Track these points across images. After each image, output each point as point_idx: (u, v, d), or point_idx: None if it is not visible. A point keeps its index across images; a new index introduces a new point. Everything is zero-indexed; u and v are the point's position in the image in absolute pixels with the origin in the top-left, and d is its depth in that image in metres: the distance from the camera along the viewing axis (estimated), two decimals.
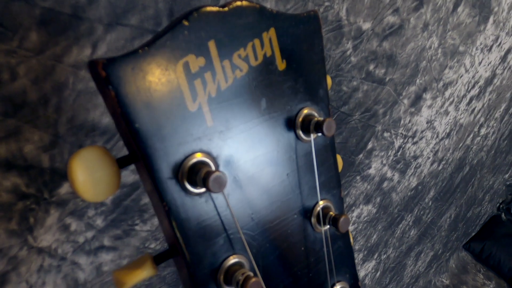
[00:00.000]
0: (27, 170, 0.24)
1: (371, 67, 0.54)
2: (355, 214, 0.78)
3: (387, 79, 0.59)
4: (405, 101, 0.72)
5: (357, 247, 0.86)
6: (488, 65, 0.95)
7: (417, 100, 0.75)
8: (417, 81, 0.73)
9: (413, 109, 0.77)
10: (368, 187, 0.78)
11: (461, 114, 0.97)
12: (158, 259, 0.17)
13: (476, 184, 1.27)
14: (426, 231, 1.14)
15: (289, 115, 0.18)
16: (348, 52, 0.48)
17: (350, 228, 0.83)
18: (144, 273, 0.16)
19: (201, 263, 0.17)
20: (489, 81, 1.00)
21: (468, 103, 0.96)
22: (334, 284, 0.21)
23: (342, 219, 0.19)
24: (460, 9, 0.72)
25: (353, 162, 0.67)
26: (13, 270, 0.27)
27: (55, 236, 0.29)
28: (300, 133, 0.19)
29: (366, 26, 0.49)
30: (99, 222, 0.31)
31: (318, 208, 0.19)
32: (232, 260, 0.17)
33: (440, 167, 1.02)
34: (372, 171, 0.75)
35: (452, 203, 1.21)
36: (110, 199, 0.32)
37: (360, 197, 0.78)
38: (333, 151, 0.20)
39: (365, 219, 0.83)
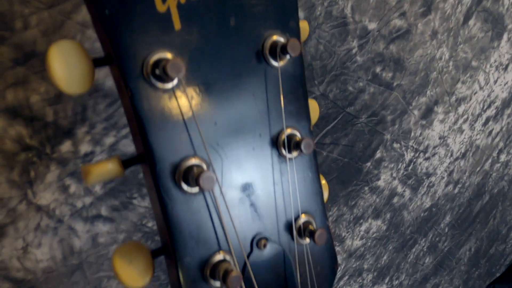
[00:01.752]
0: (32, 121, 0.26)
1: (378, 69, 0.55)
2: (363, 228, 0.77)
3: (395, 84, 0.60)
4: (416, 112, 0.73)
5: (365, 266, 0.84)
6: (505, 85, 0.95)
7: (428, 113, 0.76)
8: (428, 92, 0.73)
9: (424, 122, 0.77)
10: (377, 200, 0.77)
11: (477, 135, 0.96)
12: (126, 163, 0.18)
13: (498, 217, 1.23)
14: (443, 262, 1.10)
15: (257, 39, 0.19)
16: (354, 51, 0.50)
17: (358, 242, 0.82)
18: (109, 166, 0.17)
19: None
20: (507, 103, 1.00)
21: (484, 124, 0.96)
22: (298, 217, 0.22)
23: (304, 141, 0.19)
24: (471, 22, 0.74)
25: (360, 169, 0.67)
26: (11, 223, 0.28)
27: (54, 196, 0.30)
28: (269, 57, 0.20)
29: (372, 26, 0.50)
30: (98, 189, 0.33)
31: (284, 136, 0.20)
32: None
33: (456, 191, 1.00)
34: (381, 183, 0.74)
35: (471, 234, 1.17)
36: None
37: (369, 210, 0.77)
38: (302, 82, 0.21)
39: (374, 235, 0.81)
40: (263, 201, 0.20)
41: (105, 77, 0.28)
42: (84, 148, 0.29)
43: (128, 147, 0.33)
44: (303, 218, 0.21)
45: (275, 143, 0.20)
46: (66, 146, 0.28)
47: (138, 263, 0.18)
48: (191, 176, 0.17)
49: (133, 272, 0.18)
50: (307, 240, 0.21)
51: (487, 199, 1.16)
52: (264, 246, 0.20)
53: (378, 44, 0.53)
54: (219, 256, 0.19)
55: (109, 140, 0.31)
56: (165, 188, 0.18)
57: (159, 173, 0.17)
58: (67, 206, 0.31)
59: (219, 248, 0.19)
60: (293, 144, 0.20)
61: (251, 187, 0.20)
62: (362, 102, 0.56)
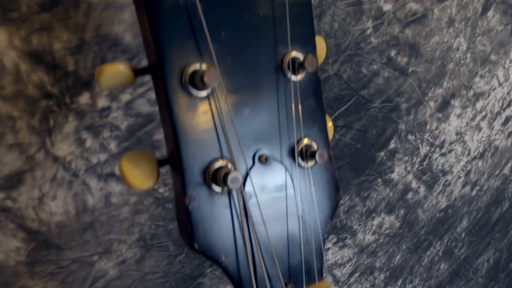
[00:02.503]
0: (53, 69, 0.27)
1: (393, 53, 0.56)
2: (375, 222, 0.77)
3: (410, 70, 0.60)
4: (431, 103, 0.73)
5: (377, 265, 0.83)
6: None
7: (444, 106, 0.76)
8: (444, 83, 0.73)
9: (440, 115, 0.77)
10: (391, 194, 0.77)
11: (496, 134, 0.96)
12: (137, 72, 0.19)
13: None
14: (459, 270, 1.08)
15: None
16: (368, 32, 0.51)
17: (370, 237, 0.82)
18: (121, 67, 0.18)
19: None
20: None
21: (504, 124, 0.95)
22: (300, 139, 0.22)
23: (308, 58, 0.20)
24: (490, 13, 0.74)
25: (373, 158, 0.67)
26: (29, 171, 0.30)
27: (71, 148, 0.31)
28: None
29: (387, 7, 0.51)
30: (113, 146, 0.34)
31: (288, 58, 0.21)
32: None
33: (474, 193, 0.99)
34: (395, 176, 0.74)
35: (490, 243, 1.15)
36: (125, 125, 0.34)
37: (382, 204, 0.77)
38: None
39: (387, 231, 0.81)
40: (267, 122, 0.21)
41: (124, 31, 0.29)
42: (101, 102, 0.31)
43: (143, 106, 0.34)
44: (305, 141, 0.22)
45: (280, 66, 0.21)
46: (84, 98, 0.30)
47: (143, 167, 0.19)
48: (197, 78, 0.18)
49: (138, 174, 0.19)
50: (309, 163, 0.22)
51: (507, 206, 1.14)
52: (266, 160, 0.21)
53: (393, 27, 0.53)
54: (221, 163, 0.20)
55: (125, 97, 0.32)
56: (173, 91, 0.19)
57: (167, 76, 0.18)
58: (82, 160, 0.32)
59: (222, 155, 0.20)
60: (297, 66, 0.21)
61: (256, 106, 0.21)
62: (376, 86, 0.57)
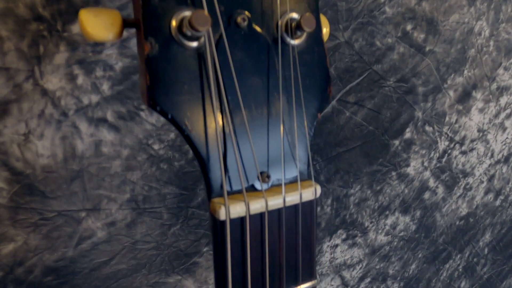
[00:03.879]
0: None
1: (409, 27, 0.55)
2: (389, 222, 0.75)
3: (427, 49, 0.59)
4: (451, 93, 0.71)
5: (391, 272, 0.81)
6: None
7: (465, 97, 0.74)
8: (465, 72, 0.72)
9: (460, 107, 0.76)
10: (406, 191, 0.75)
11: None
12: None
13: None
14: None
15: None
16: (382, 0, 0.51)
17: (383, 238, 0.79)
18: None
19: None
20: None
21: None
22: (286, 11, 0.21)
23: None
24: None
25: (387, 146, 0.66)
26: (16, 102, 0.30)
27: (61, 83, 0.31)
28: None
29: None
30: (106, 88, 0.34)
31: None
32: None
33: (498, 203, 0.96)
34: (410, 170, 0.73)
35: None
36: (119, 66, 0.34)
37: (396, 201, 0.75)
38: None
39: (401, 234, 0.78)
40: None
41: None
42: None
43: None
44: (291, 15, 0.21)
45: None
46: (77, 28, 0.30)
47: (104, 17, 0.18)
48: None
49: (98, 23, 0.18)
50: (296, 40, 0.21)
51: None
52: (244, 20, 0.19)
53: None
54: (188, 12, 0.18)
55: None
56: None
57: None
58: (73, 99, 0.32)
59: (191, 4, 0.18)
60: None
61: None
62: (390, 62, 0.56)
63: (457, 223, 0.89)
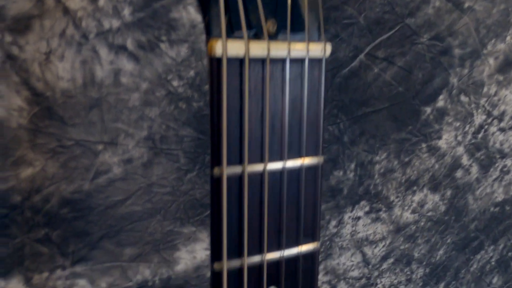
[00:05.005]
0: None
1: None
2: (416, 198, 0.74)
3: (466, 5, 0.58)
4: (491, 60, 0.70)
5: (416, 255, 0.80)
6: None
7: (507, 67, 0.73)
8: (508, 38, 0.71)
9: (501, 78, 0.74)
10: (436, 166, 0.75)
11: None
12: None
13: None
14: None
15: None
16: None
17: (409, 216, 0.79)
18: None
19: None
20: None
21: None
22: None
23: None
24: None
25: (417, 112, 0.65)
26: (38, 17, 0.31)
27: (83, 3, 0.33)
28: None
29: None
30: (127, 13, 0.35)
31: None
32: None
33: None
34: (442, 144, 0.72)
35: None
36: None
37: (425, 176, 0.74)
38: None
39: (429, 213, 0.78)
40: None
41: None
42: None
43: None
44: None
45: None
46: None
47: None
48: None
49: None
50: None
51: None
52: None
53: None
54: None
55: None
56: None
57: None
58: (94, 21, 0.34)
59: None
60: None
61: None
62: (425, 17, 0.56)
63: (492, 209, 0.88)
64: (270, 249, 0.21)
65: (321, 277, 0.69)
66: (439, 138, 0.72)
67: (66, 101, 0.36)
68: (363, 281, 0.74)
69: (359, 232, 0.70)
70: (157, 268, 0.50)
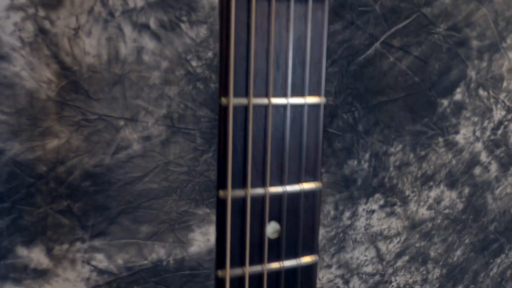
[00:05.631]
0: None
1: None
2: (432, 194, 0.75)
3: None
4: (510, 54, 0.71)
5: (432, 254, 0.81)
6: None
7: None
8: None
9: None
10: (454, 162, 0.76)
11: None
12: None
13: None
14: None
15: None
16: None
17: (425, 212, 0.80)
18: None
19: None
20: None
21: None
22: None
23: None
24: None
25: (434, 105, 0.67)
26: None
27: None
28: None
29: None
30: None
31: None
32: None
33: None
34: (460, 139, 0.73)
35: None
36: None
37: (442, 172, 0.76)
38: None
39: (446, 211, 0.79)
40: None
41: None
42: None
43: None
44: None
45: None
46: None
47: None
48: None
49: None
50: None
51: None
52: None
53: None
54: None
55: None
56: None
57: None
58: (119, 0, 0.37)
59: None
60: None
61: None
62: (441, 6, 0.58)
63: None
64: (272, 184, 0.23)
65: (334, 271, 0.70)
66: (457, 132, 0.74)
67: (91, 76, 0.39)
68: (377, 277, 0.75)
69: (373, 226, 0.71)
70: (172, 248, 0.53)
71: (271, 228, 0.24)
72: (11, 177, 0.40)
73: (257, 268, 0.23)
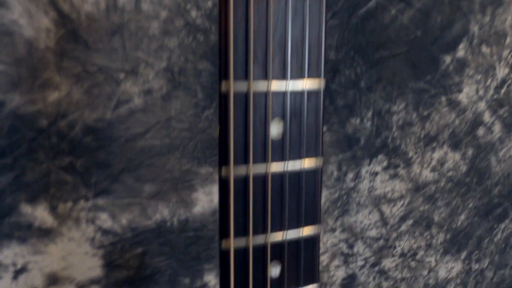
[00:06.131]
0: None
1: None
2: (436, 156, 0.77)
3: None
4: None
5: (436, 218, 0.82)
6: None
7: None
8: None
9: None
10: (457, 122, 0.77)
11: None
12: None
13: None
14: None
15: None
16: None
17: (429, 175, 0.81)
18: None
19: None
20: None
21: None
22: None
23: None
24: None
25: (436, 61, 0.68)
26: None
27: None
28: None
29: None
30: None
31: None
32: None
33: None
34: (463, 97, 0.74)
35: None
36: None
37: (445, 132, 0.77)
38: None
39: (449, 173, 0.80)
40: None
41: None
42: None
43: None
44: None
45: None
46: None
47: None
48: None
49: None
50: None
51: None
52: None
53: None
54: None
55: None
56: None
57: None
58: None
59: None
60: None
61: None
62: None
63: None
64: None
65: (338, 235, 0.72)
66: (460, 91, 0.74)
67: (90, 25, 0.39)
68: (381, 242, 0.77)
69: (376, 189, 0.73)
70: (175, 208, 0.54)
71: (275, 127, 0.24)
72: (12, 131, 0.40)
73: (261, 168, 0.24)
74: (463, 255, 0.90)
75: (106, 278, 0.52)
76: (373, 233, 0.76)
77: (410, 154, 0.75)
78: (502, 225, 0.93)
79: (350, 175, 0.69)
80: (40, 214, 0.45)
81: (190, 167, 0.53)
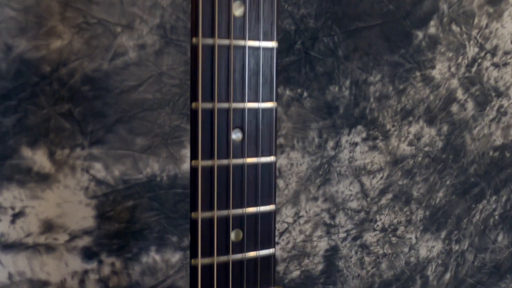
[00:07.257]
0: None
1: None
2: (412, 130, 0.84)
3: None
4: None
5: (415, 194, 0.88)
6: None
7: None
8: None
9: (491, 10, 0.84)
10: (431, 97, 0.84)
11: None
12: None
13: None
14: None
15: None
16: None
17: (406, 148, 0.88)
18: None
19: None
20: None
21: None
22: None
23: None
24: None
25: (409, 36, 0.76)
26: None
27: None
28: None
29: None
30: None
31: None
32: None
33: None
34: (436, 74, 0.82)
35: None
36: None
37: (420, 107, 0.84)
38: None
39: (426, 148, 0.87)
40: None
41: None
42: None
43: None
44: None
45: None
46: None
47: None
48: None
49: None
50: None
51: None
52: None
53: None
54: None
55: None
56: None
57: None
58: None
59: None
60: None
61: None
62: None
63: (491, 153, 0.95)
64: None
65: (320, 204, 0.78)
66: (433, 67, 0.82)
67: None
68: (362, 215, 0.83)
69: (356, 160, 0.79)
70: (165, 164, 0.60)
71: None
72: (18, 74, 0.46)
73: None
74: (443, 234, 0.95)
75: (98, 229, 0.57)
76: (354, 204, 0.81)
77: (388, 126, 0.81)
78: (480, 206, 0.98)
79: (331, 143, 0.75)
80: (39, 158, 0.51)
81: (180, 123, 0.59)
